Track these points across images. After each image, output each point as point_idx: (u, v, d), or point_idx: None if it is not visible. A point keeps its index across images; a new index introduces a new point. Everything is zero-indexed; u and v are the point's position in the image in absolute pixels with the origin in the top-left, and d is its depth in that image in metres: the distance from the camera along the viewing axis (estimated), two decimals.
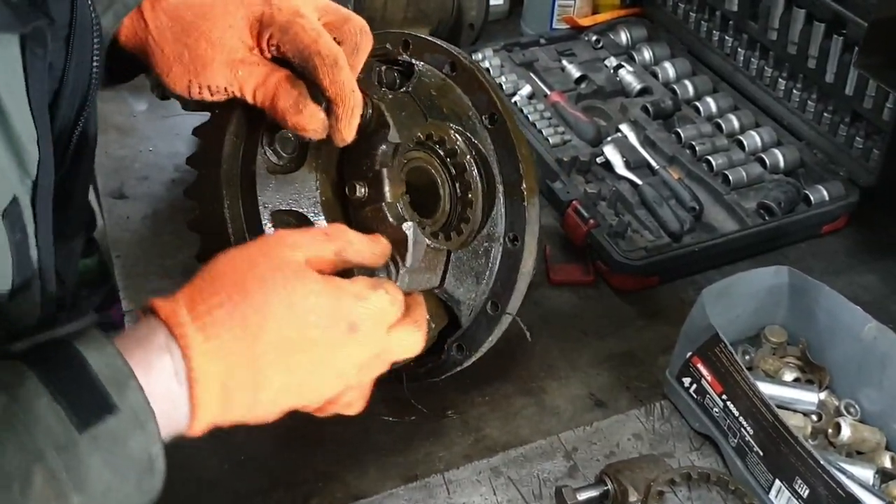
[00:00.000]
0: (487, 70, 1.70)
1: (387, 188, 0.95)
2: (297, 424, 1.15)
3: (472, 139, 1.06)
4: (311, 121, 0.89)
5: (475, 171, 1.06)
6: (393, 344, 0.84)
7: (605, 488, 1.04)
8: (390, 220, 0.94)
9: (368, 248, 0.86)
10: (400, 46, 1.07)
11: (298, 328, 0.75)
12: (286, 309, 0.75)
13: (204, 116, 1.62)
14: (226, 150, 0.96)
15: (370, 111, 0.94)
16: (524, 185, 1.06)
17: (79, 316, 0.75)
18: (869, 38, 1.21)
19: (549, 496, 1.07)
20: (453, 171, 1.05)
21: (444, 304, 1.07)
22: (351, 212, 0.97)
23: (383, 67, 1.04)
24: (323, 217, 0.98)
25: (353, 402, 0.86)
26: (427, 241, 0.98)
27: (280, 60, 0.91)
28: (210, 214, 0.96)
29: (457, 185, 1.06)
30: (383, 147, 0.95)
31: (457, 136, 1.05)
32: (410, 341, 0.87)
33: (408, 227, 0.94)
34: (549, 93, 1.65)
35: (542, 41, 1.79)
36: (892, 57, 1.17)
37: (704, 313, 1.06)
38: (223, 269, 0.76)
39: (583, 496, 1.03)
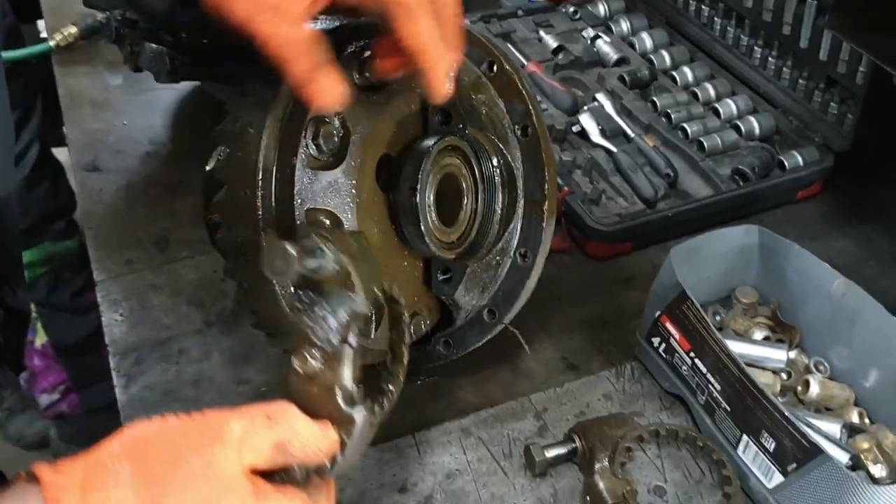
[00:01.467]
0: None
1: (346, 371, 0.75)
2: (269, 388, 1.17)
3: (503, 149, 1.03)
4: (322, 94, 0.80)
5: (500, 184, 1.03)
6: None
7: (573, 446, 1.04)
8: (341, 405, 0.74)
9: (315, 442, 0.71)
10: None
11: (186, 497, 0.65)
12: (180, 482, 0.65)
13: (178, 89, 1.64)
14: (267, 135, 0.88)
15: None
16: (546, 206, 1.05)
17: None
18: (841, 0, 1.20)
19: (519, 455, 1.07)
20: (481, 183, 1.01)
21: (441, 301, 1.07)
22: (292, 378, 0.76)
23: None
24: (356, 219, 0.93)
25: None
26: (373, 422, 0.78)
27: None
28: (240, 201, 0.89)
29: (481, 196, 1.02)
30: (345, 315, 0.76)
31: (491, 147, 1.01)
32: None
33: (359, 414, 0.75)
34: (526, 63, 1.65)
35: (520, 13, 1.79)
36: (864, 18, 1.17)
37: (672, 272, 1.06)
38: (139, 450, 0.66)
39: (551, 453, 1.03)
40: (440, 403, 1.15)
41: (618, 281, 1.34)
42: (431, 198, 0.97)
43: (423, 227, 0.97)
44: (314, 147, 0.89)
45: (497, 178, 1.02)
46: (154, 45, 1.45)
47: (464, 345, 1.10)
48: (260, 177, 0.87)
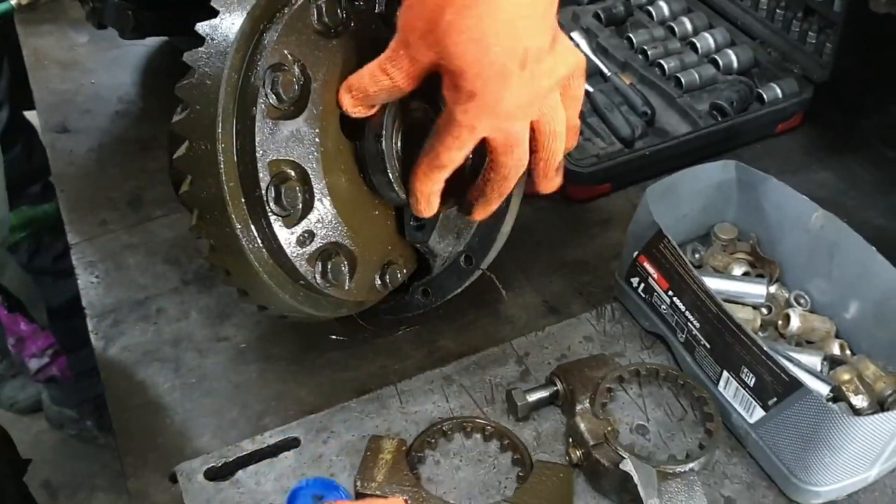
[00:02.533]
0: None
1: None
2: (249, 345, 1.16)
3: None
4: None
5: None
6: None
7: (555, 389, 1.04)
8: None
9: None
10: None
11: None
12: None
13: (146, 45, 1.60)
14: (224, 86, 0.85)
15: None
16: None
17: None
18: None
19: (502, 400, 1.07)
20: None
21: (416, 250, 1.05)
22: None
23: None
24: (321, 169, 0.91)
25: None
26: None
27: None
28: (201, 154, 0.86)
29: None
30: None
31: None
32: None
33: None
34: None
35: None
36: None
37: (648, 211, 1.05)
38: None
39: (532, 397, 1.03)
40: (422, 352, 1.15)
41: (597, 223, 1.33)
42: (399, 144, 0.95)
43: (390, 176, 0.95)
44: (274, 96, 0.87)
45: None
46: (116, 1, 1.41)
47: (442, 292, 1.09)
48: (219, 129, 0.85)
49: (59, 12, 1.72)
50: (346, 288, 0.96)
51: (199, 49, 0.87)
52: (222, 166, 0.86)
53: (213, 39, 0.87)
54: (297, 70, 0.89)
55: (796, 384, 0.90)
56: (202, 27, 0.88)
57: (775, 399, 0.93)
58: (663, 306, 1.07)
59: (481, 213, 0.98)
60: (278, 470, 1.00)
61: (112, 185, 1.38)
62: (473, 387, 1.09)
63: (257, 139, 0.87)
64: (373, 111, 0.92)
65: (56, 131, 1.48)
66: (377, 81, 0.87)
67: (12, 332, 2.44)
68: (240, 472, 1.00)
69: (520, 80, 0.82)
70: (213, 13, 0.89)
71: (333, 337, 1.15)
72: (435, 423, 1.02)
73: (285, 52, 0.88)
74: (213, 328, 1.18)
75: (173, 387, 1.12)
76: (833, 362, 1.04)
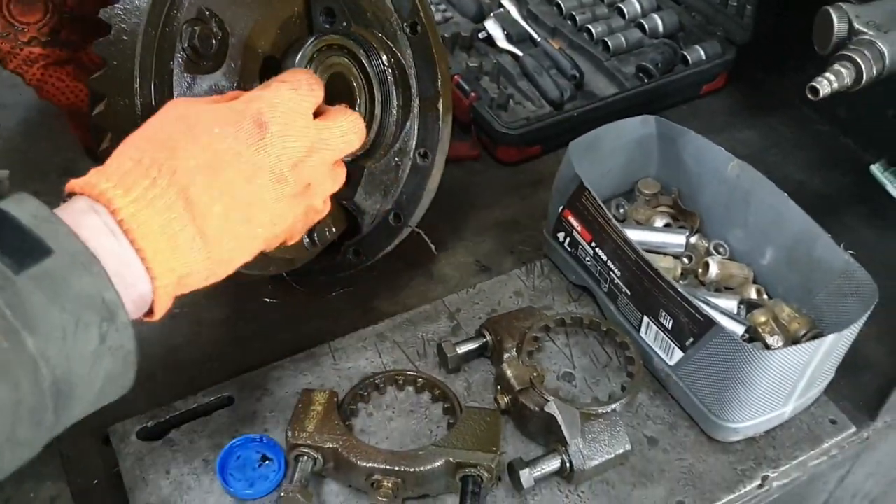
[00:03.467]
0: None
1: None
2: (182, 310, 1.16)
3: (392, 47, 1.02)
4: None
5: (392, 83, 1.02)
6: (324, 133, 0.80)
7: (484, 340, 1.06)
8: None
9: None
10: None
11: (207, 147, 0.71)
12: (187, 134, 0.71)
13: None
14: (140, 42, 0.85)
15: None
16: (441, 104, 1.05)
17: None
18: None
19: (433, 354, 1.09)
20: (373, 82, 1.01)
21: (346, 210, 1.07)
22: None
23: None
24: None
25: (312, 208, 0.82)
26: None
27: None
28: (120, 110, 0.87)
29: (374, 96, 1.01)
30: None
31: (380, 45, 1.01)
32: (346, 125, 0.82)
33: None
34: None
35: None
36: None
37: (571, 165, 1.08)
38: (125, 141, 0.73)
39: (462, 349, 1.06)
40: (356, 313, 1.16)
41: (528, 184, 1.36)
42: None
43: None
44: (191, 50, 0.88)
45: (389, 77, 1.02)
46: None
47: (373, 251, 1.11)
48: (136, 84, 0.86)
49: None
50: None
51: (116, 6, 0.88)
52: (140, 122, 0.86)
53: None
54: (214, 25, 0.89)
55: (710, 323, 0.93)
56: None
57: (692, 339, 0.96)
58: (587, 258, 1.10)
59: None
60: (211, 428, 1.01)
61: (41, 157, 1.37)
62: (406, 343, 1.11)
63: (175, 93, 0.87)
64: None
65: None
66: None
67: None
68: (173, 432, 1.01)
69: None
70: None
71: (267, 300, 1.16)
72: (367, 377, 1.04)
73: (202, 6, 0.89)
74: None
75: None
76: (750, 306, 1.08)
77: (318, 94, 0.81)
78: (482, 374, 1.07)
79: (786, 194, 1.06)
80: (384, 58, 1.01)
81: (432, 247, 1.11)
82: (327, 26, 0.99)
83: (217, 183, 0.71)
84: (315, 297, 1.17)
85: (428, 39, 1.03)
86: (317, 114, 0.82)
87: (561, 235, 1.14)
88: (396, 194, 1.08)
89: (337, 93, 0.99)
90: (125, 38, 0.86)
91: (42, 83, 1.02)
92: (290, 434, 0.95)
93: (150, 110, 0.87)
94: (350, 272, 1.14)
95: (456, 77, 1.39)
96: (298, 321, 1.16)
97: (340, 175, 0.87)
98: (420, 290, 1.20)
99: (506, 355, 1.02)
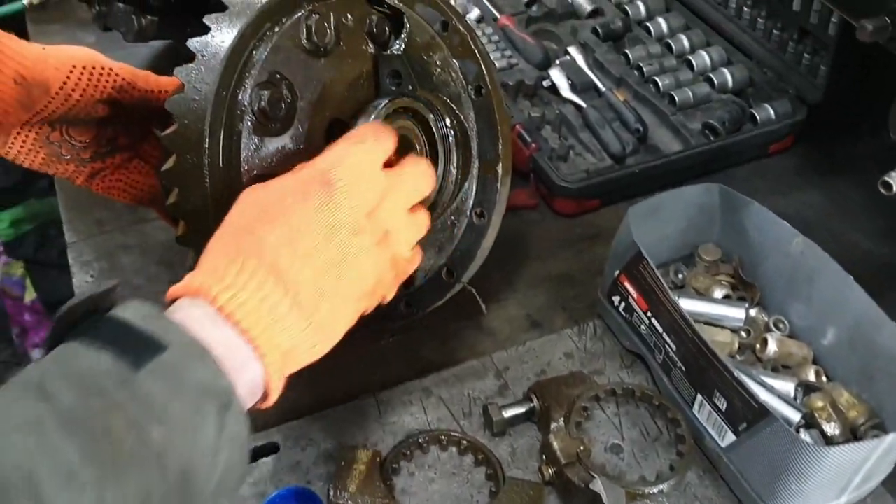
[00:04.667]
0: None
1: None
2: None
3: (455, 110, 1.02)
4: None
5: (454, 145, 1.02)
6: (393, 179, 0.81)
7: (531, 405, 1.05)
8: None
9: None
10: None
11: (282, 220, 0.74)
12: (263, 214, 0.75)
13: (152, 46, 1.62)
14: (212, 102, 0.86)
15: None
16: (500, 166, 1.05)
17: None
18: None
19: (479, 414, 1.08)
20: (435, 145, 1.00)
21: None
22: None
23: (374, 16, 0.98)
24: None
25: (399, 257, 0.83)
26: None
27: None
28: (188, 167, 0.88)
29: (436, 157, 1.00)
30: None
31: (444, 108, 1.00)
32: (415, 171, 0.84)
33: None
34: (498, 16, 1.63)
35: None
36: None
37: (629, 231, 1.06)
38: (212, 240, 0.75)
39: (508, 413, 1.05)
40: (403, 363, 1.16)
41: (585, 237, 1.35)
42: None
43: None
44: (261, 113, 0.89)
45: (451, 139, 1.02)
46: (121, 5, 1.43)
47: (423, 304, 1.11)
48: (206, 144, 0.87)
49: (68, 12, 1.73)
50: None
51: (190, 65, 0.89)
52: (208, 180, 0.88)
53: (203, 56, 0.89)
54: (284, 88, 0.90)
55: (765, 412, 0.91)
56: (193, 43, 0.90)
57: (745, 425, 0.94)
58: (642, 326, 1.09)
59: None
60: (256, 475, 1.02)
61: None
62: (452, 399, 1.10)
63: (243, 155, 0.88)
64: None
65: None
66: None
67: (16, 322, 2.47)
68: None
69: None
70: (205, 30, 0.90)
71: None
72: (411, 435, 1.04)
73: (273, 70, 0.90)
74: None
75: None
76: (807, 388, 1.05)
77: (386, 145, 0.82)
78: (528, 439, 1.06)
79: (850, 277, 1.03)
80: (447, 120, 1.01)
81: (483, 306, 1.10)
82: (393, 88, 0.99)
83: (300, 251, 0.73)
84: (364, 345, 1.17)
85: (492, 102, 1.03)
86: (388, 165, 0.83)
87: (616, 299, 1.13)
88: (450, 251, 1.08)
89: (403, 154, 0.99)
90: (197, 97, 0.87)
91: (110, 189, 1.05)
92: (332, 493, 0.95)
93: (216, 169, 0.88)
94: (399, 324, 1.14)
95: (517, 126, 1.38)
96: (346, 368, 1.16)
97: (422, 221, 0.87)
98: (469, 343, 1.20)
99: (553, 425, 1.01)
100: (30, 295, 2.38)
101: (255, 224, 0.74)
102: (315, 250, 0.74)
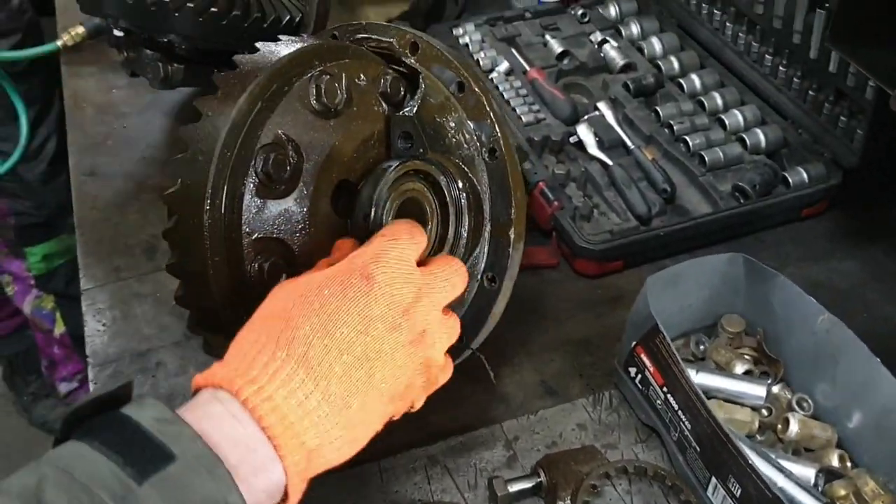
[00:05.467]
0: (466, 46, 1.66)
1: None
2: None
3: (468, 172, 1.00)
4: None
5: (466, 207, 1.00)
6: (428, 278, 0.80)
7: (538, 480, 1.01)
8: None
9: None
10: (408, 48, 1.00)
11: (319, 309, 0.72)
12: (299, 302, 0.73)
13: (182, 91, 1.63)
14: (215, 163, 0.85)
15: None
16: (513, 231, 1.03)
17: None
18: (841, 12, 1.14)
19: (485, 487, 1.04)
20: (446, 206, 0.98)
21: None
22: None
23: (390, 77, 0.98)
24: (309, 248, 0.90)
25: (432, 361, 0.81)
26: None
27: None
28: (189, 228, 0.87)
29: (448, 221, 0.99)
30: None
31: (456, 170, 0.99)
32: (449, 270, 0.83)
33: None
34: (528, 69, 1.61)
35: (528, 15, 1.74)
36: (863, 34, 1.10)
37: (646, 301, 1.02)
38: (244, 326, 0.74)
39: (514, 488, 1.01)
40: (409, 428, 1.12)
41: (606, 300, 1.31)
42: (391, 221, 0.95)
43: None
44: (264, 175, 0.87)
45: (463, 202, 0.99)
46: (149, 52, 1.44)
47: None
48: (207, 206, 0.86)
49: (101, 54, 1.75)
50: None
51: (196, 124, 0.88)
52: (207, 243, 0.86)
53: (209, 115, 0.88)
54: (290, 150, 0.89)
55: (778, 502, 0.86)
56: (200, 102, 0.89)
57: None
58: (658, 401, 1.04)
59: None
60: None
61: (130, 231, 1.41)
62: (458, 469, 1.07)
63: (244, 218, 0.87)
64: None
65: (84, 174, 1.51)
66: None
67: (45, 355, 2.49)
68: None
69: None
70: (215, 89, 0.90)
71: None
72: None
73: (280, 132, 0.89)
74: None
75: None
76: (830, 475, 1.00)
77: (420, 243, 0.82)
78: None
79: (878, 359, 0.98)
80: (459, 183, 0.98)
81: (492, 374, 1.07)
82: (405, 149, 0.97)
83: (334, 343, 0.71)
84: None
85: (506, 165, 1.00)
86: (420, 264, 0.82)
87: (633, 370, 1.09)
88: (460, 315, 1.05)
89: (409, 216, 0.97)
90: (200, 157, 0.86)
91: None
92: None
93: (217, 231, 0.87)
94: None
95: (540, 184, 1.36)
96: None
97: (454, 326, 0.85)
98: (480, 408, 1.16)
99: (559, 503, 0.97)
100: (59, 328, 2.41)
101: (288, 312, 0.72)
102: (349, 343, 0.72)
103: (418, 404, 0.84)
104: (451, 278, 0.83)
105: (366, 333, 0.73)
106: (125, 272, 1.35)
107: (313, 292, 0.73)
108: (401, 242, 0.80)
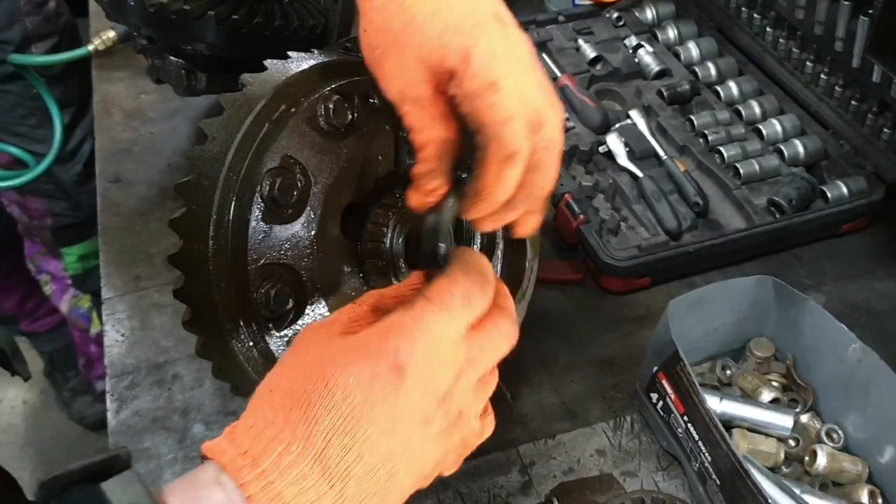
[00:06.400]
0: None
1: None
2: None
3: None
4: (416, 196, 0.76)
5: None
6: (474, 351, 0.67)
7: None
8: None
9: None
10: None
11: (341, 401, 0.63)
12: (321, 387, 0.63)
13: (209, 97, 1.62)
14: (220, 188, 0.84)
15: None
16: (529, 247, 1.01)
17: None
18: (883, 22, 1.08)
19: None
20: (458, 224, 0.92)
21: None
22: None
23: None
24: (317, 272, 0.88)
25: (468, 434, 0.71)
26: None
27: None
28: (193, 254, 0.85)
29: (459, 239, 0.94)
30: None
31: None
32: (499, 335, 0.69)
33: None
34: (559, 75, 1.57)
35: (562, 18, 1.70)
36: None
37: (668, 327, 0.98)
38: (262, 390, 0.67)
39: None
40: None
41: (632, 319, 1.27)
42: (400, 246, 0.92)
43: (392, 279, 0.92)
44: (271, 200, 0.85)
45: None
46: (174, 59, 1.43)
47: None
48: (212, 232, 0.84)
49: (132, 58, 1.75)
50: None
51: (202, 147, 0.86)
52: (212, 268, 0.85)
53: (215, 138, 0.86)
54: (297, 173, 0.87)
55: None
56: (205, 124, 0.87)
57: None
58: (679, 429, 1.00)
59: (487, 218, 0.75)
60: None
61: (151, 240, 1.40)
62: (470, 494, 1.04)
63: (250, 243, 0.85)
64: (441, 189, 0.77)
65: (109, 181, 1.51)
66: (418, 133, 0.75)
67: (83, 353, 2.52)
68: None
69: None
70: (220, 111, 0.88)
71: None
72: None
73: (287, 154, 0.86)
74: (224, 400, 1.17)
75: (175, 458, 1.11)
76: None
77: (478, 307, 0.68)
78: None
79: None
80: None
81: (508, 396, 1.04)
82: (411, 166, 0.94)
83: (355, 443, 0.63)
84: None
85: None
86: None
87: (654, 396, 1.05)
88: None
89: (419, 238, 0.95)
90: (205, 182, 0.84)
91: None
92: None
93: (221, 257, 0.85)
94: None
95: (566, 196, 1.32)
96: None
97: (492, 382, 0.73)
98: (496, 430, 1.11)
99: None
100: (95, 327, 2.43)
101: (311, 394, 0.63)
102: (371, 444, 0.63)
103: (449, 472, 0.73)
104: (500, 343, 0.70)
105: (392, 433, 0.64)
106: (145, 282, 1.35)
107: (338, 377, 0.63)
108: (451, 313, 0.66)
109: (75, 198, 2.20)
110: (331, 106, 0.88)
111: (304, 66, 0.91)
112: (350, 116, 0.90)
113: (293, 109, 0.88)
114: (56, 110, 1.97)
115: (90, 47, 1.75)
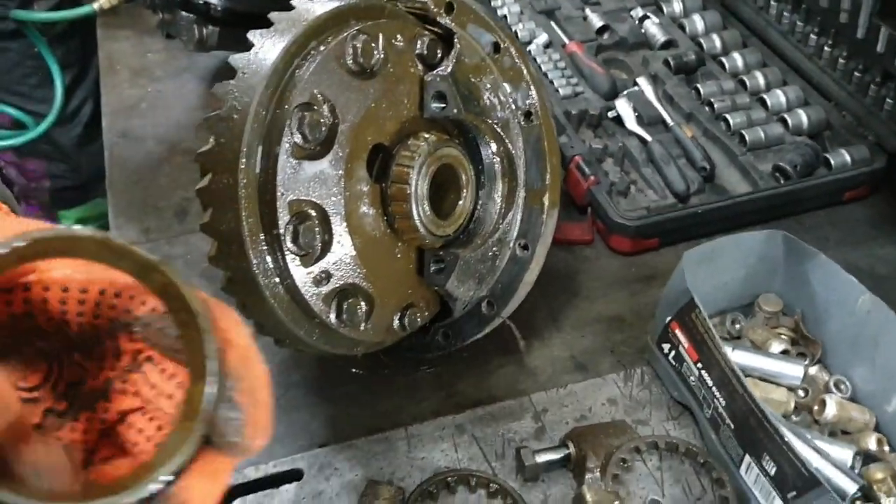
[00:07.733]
0: (504, 18, 1.64)
1: None
2: (270, 370, 1.15)
3: (503, 136, 0.99)
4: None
5: (499, 172, 0.99)
6: None
7: (567, 452, 1.00)
8: None
9: None
10: (443, 8, 0.97)
11: None
12: None
13: (216, 56, 1.62)
14: (250, 121, 0.84)
15: None
16: (547, 198, 1.02)
17: None
18: None
19: (512, 457, 1.03)
20: (480, 170, 0.97)
21: (438, 294, 1.03)
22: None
23: (427, 38, 0.96)
24: (343, 210, 0.89)
25: None
26: None
27: None
28: (221, 187, 0.85)
29: (480, 184, 0.97)
30: None
31: (491, 133, 0.97)
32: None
33: None
34: (567, 42, 1.58)
35: None
36: None
37: (683, 277, 1.00)
38: None
39: (542, 458, 1.00)
40: (439, 395, 1.12)
41: (641, 278, 1.29)
42: (425, 190, 0.93)
43: (416, 222, 0.93)
44: (300, 135, 0.86)
45: (497, 167, 0.98)
46: (185, 14, 1.43)
47: (462, 336, 1.07)
48: (241, 165, 0.84)
49: (137, 18, 1.75)
50: (362, 329, 0.94)
51: (230, 81, 0.87)
52: (242, 202, 0.85)
53: (244, 73, 0.87)
54: (326, 110, 0.87)
55: (816, 482, 0.84)
56: (235, 59, 0.88)
57: (795, 493, 0.87)
58: (692, 377, 1.02)
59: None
60: (278, 501, 0.99)
61: (161, 194, 1.40)
62: (485, 439, 1.06)
63: (279, 178, 0.85)
64: None
65: (117, 136, 1.51)
66: None
67: None
68: (239, 501, 0.99)
69: None
70: (249, 46, 0.88)
71: (353, 370, 1.14)
72: (439, 473, 1.00)
73: (315, 91, 0.87)
74: None
75: None
76: (867, 458, 0.98)
77: None
78: (561, 487, 1.00)
79: None
80: (493, 146, 0.97)
81: (521, 342, 1.05)
82: (437, 110, 0.95)
83: None
84: (400, 373, 1.14)
85: (542, 130, 0.98)
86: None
87: (666, 347, 1.07)
88: (492, 283, 1.04)
89: (444, 183, 0.96)
90: (235, 115, 0.85)
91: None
92: None
93: (251, 191, 0.85)
94: (437, 353, 1.10)
95: (577, 157, 1.34)
96: (380, 396, 1.13)
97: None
98: (508, 380, 1.15)
99: (588, 475, 0.96)
100: None
101: None
102: None
103: None
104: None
105: None
106: (155, 233, 1.35)
107: None
108: None
109: (74, 160, 2.18)
110: (358, 45, 0.89)
111: (331, 6, 0.92)
112: (377, 56, 0.91)
113: (322, 47, 0.88)
114: (58, 70, 1.95)
115: (95, 6, 1.74)
